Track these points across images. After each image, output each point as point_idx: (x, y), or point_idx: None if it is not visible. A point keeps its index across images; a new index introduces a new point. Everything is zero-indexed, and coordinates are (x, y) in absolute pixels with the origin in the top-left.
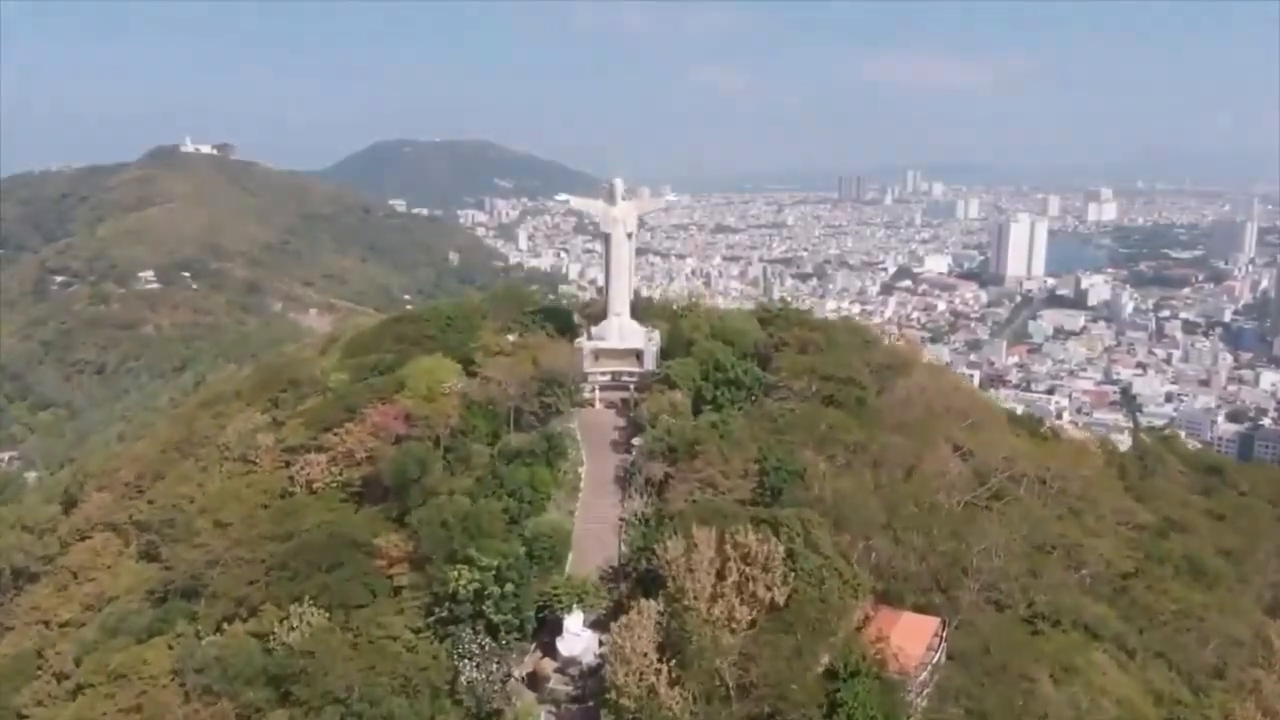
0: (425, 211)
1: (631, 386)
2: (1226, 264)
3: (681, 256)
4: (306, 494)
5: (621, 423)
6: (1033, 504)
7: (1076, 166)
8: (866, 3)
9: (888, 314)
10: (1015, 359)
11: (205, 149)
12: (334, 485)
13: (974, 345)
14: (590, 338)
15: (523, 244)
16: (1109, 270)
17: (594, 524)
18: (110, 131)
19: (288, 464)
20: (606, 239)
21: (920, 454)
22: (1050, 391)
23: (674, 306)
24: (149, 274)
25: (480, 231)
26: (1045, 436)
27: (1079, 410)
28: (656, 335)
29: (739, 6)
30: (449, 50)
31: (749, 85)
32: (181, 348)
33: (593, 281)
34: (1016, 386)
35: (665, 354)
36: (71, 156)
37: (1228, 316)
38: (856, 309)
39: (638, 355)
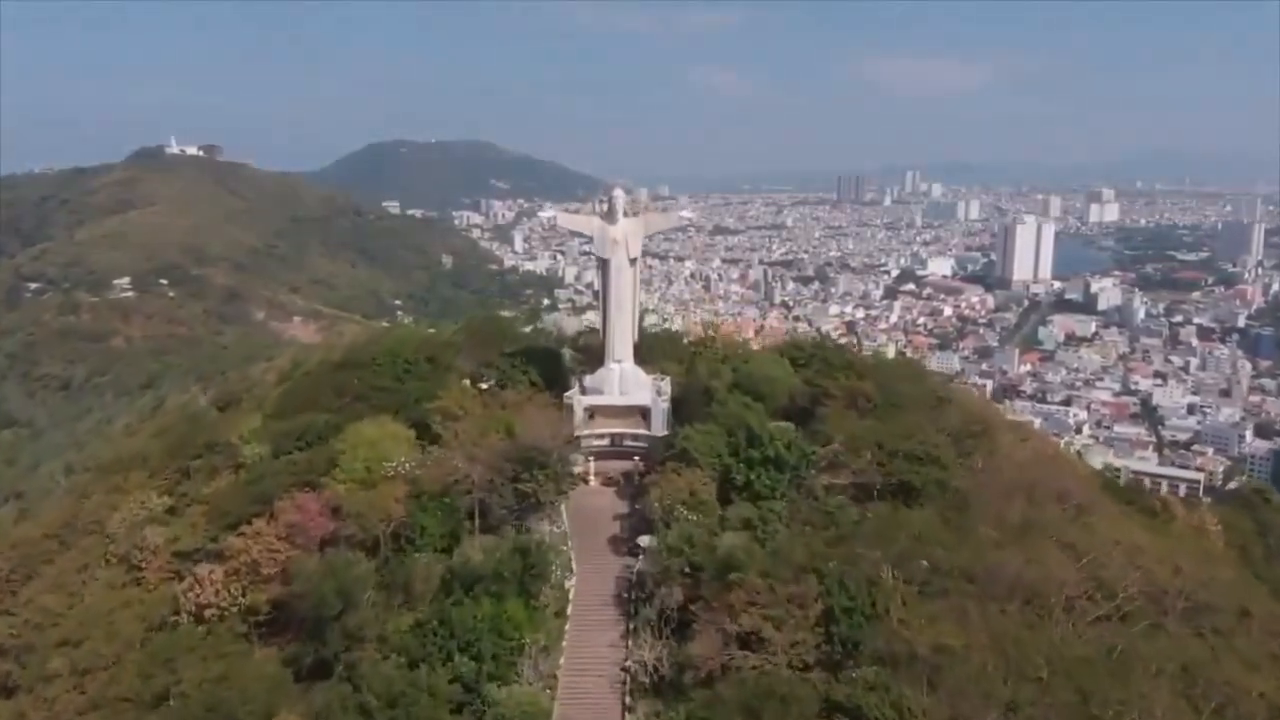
0: (420, 213)
1: (636, 456)
2: (1234, 267)
3: (680, 259)
4: (194, 624)
5: (623, 507)
6: (1175, 629)
7: (1074, 167)
8: (865, 3)
9: (893, 319)
10: (1027, 367)
11: (191, 150)
12: (232, 611)
13: (984, 353)
14: (584, 390)
15: (518, 246)
16: (1116, 273)
17: (587, 677)
18: (99, 133)
19: (178, 574)
20: (603, 266)
21: (1030, 565)
22: (1067, 403)
23: (685, 340)
24: (124, 281)
25: (475, 233)
26: (1155, 512)
27: (1099, 424)
28: (667, 386)
29: (737, 7)
30: (446, 50)
31: (746, 85)
32: (151, 362)
33: (589, 285)
34: (1032, 398)
35: (677, 407)
36: (57, 159)
37: (1242, 322)
38: (860, 314)
39: (643, 414)
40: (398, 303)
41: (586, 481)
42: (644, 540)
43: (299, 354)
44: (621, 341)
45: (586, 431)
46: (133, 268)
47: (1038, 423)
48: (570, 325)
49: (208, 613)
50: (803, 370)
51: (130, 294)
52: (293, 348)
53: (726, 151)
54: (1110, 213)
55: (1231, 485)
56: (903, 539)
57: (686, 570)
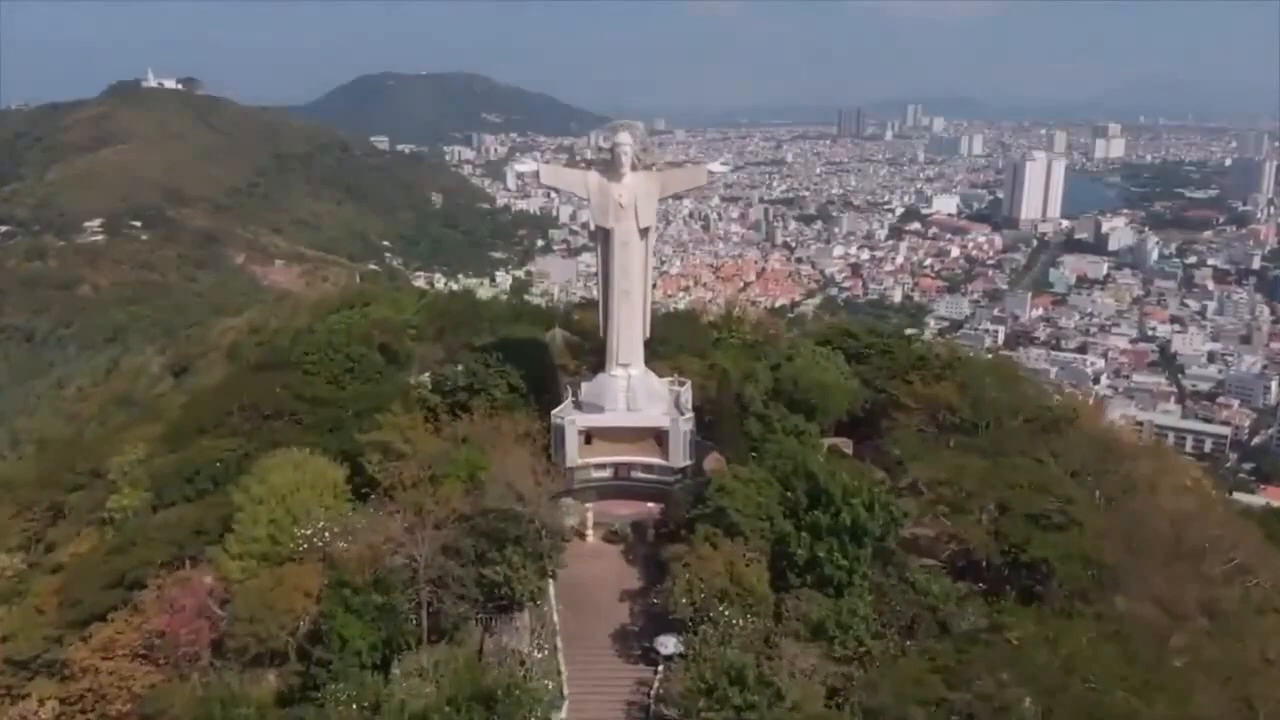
0: (409, 149)
1: (650, 500)
2: (1246, 205)
3: (678, 197)
4: None
5: (633, 578)
6: None
7: (1075, 101)
8: None
9: (899, 260)
10: (1039, 312)
11: (169, 84)
12: None
13: (994, 296)
14: (579, 404)
15: (511, 183)
16: (1125, 211)
17: None
18: (74, 66)
19: (8, 692)
20: (604, 238)
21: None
22: (1082, 350)
23: (705, 319)
24: (95, 224)
25: (467, 169)
26: None
27: (1117, 373)
28: (688, 395)
29: None
30: None
31: (744, 13)
32: (118, 313)
33: (584, 225)
34: (1045, 344)
35: (701, 419)
36: (34, 94)
37: (1257, 263)
38: (865, 255)
39: (658, 436)
40: (386, 244)
41: (583, 536)
42: (665, 644)
43: (257, 317)
44: (628, 342)
45: (582, 463)
46: (105, 209)
47: (1054, 372)
48: (562, 271)
49: None
50: (859, 366)
51: (100, 237)
52: (255, 308)
53: (723, 84)
54: (1116, 148)
55: (1257, 440)
56: (1056, 667)
57: None
